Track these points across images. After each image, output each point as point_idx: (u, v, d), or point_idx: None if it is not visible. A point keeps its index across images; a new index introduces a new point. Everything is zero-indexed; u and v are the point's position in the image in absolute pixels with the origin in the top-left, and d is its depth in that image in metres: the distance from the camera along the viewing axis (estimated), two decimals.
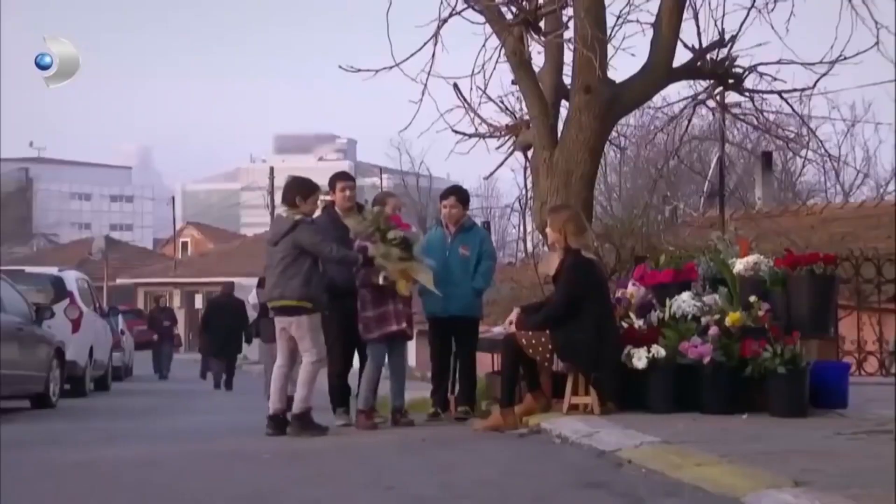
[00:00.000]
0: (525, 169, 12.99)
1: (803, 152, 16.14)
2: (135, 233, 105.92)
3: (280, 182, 52.96)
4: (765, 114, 13.67)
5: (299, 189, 9.89)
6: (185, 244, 73.39)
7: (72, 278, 20.08)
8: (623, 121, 15.39)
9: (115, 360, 23.40)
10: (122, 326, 27.86)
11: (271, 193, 50.61)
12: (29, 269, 22.40)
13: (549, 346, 9.24)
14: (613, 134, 13.72)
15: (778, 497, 5.32)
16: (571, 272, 9.23)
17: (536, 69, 12.14)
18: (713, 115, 23.31)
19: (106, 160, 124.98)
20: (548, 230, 9.81)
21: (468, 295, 10.71)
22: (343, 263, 10.00)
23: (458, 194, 11.06)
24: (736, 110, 13.95)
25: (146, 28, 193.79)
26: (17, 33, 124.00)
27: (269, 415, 9.84)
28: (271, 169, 54.41)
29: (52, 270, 20.69)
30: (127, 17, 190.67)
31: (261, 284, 15.64)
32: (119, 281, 60.43)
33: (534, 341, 9.29)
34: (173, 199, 71.13)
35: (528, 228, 14.54)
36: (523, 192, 13.37)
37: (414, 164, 55.66)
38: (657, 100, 14.17)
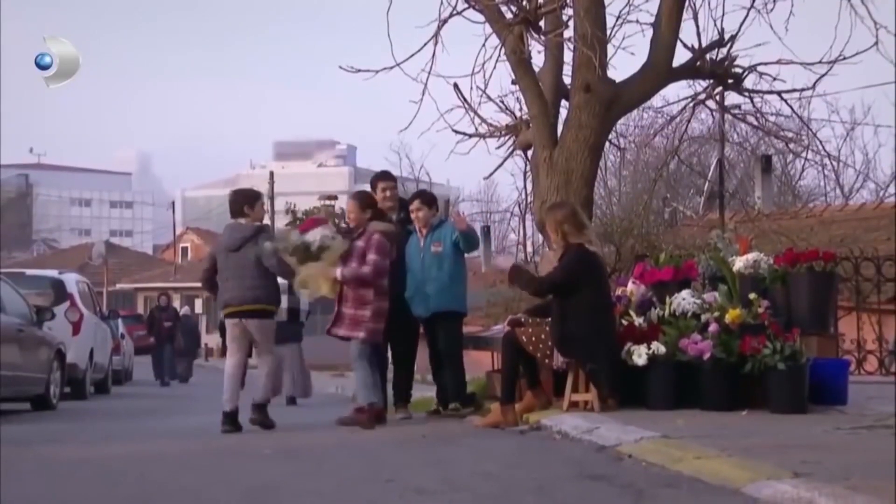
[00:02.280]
0: (525, 173, 13.02)
1: (803, 153, 16.15)
2: (134, 238, 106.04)
3: (280, 188, 52.61)
4: (765, 115, 13.70)
5: (245, 199, 10.38)
6: (184, 249, 73.37)
7: (72, 281, 20.04)
8: (623, 121, 15.42)
9: (114, 364, 23.38)
10: (122, 330, 27.80)
11: (271, 199, 50.57)
12: (29, 271, 22.33)
13: (549, 343, 9.26)
14: (613, 135, 13.75)
15: (777, 487, 5.33)
16: (570, 257, 9.25)
17: (536, 69, 12.18)
18: (713, 117, 23.39)
19: (105, 166, 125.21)
20: (546, 228, 9.84)
21: (445, 289, 10.66)
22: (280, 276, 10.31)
23: (422, 197, 11.13)
24: (736, 111, 13.98)
25: (145, 33, 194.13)
26: (16, 40, 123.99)
27: (225, 411, 10.12)
28: (271, 174, 54.36)
29: (53, 273, 20.64)
30: (126, 20, 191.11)
31: None
32: (119, 286, 60.49)
33: (534, 338, 9.31)
34: (173, 204, 71.07)
35: (528, 232, 14.57)
36: (523, 195, 13.42)
37: (414, 169, 55.64)
38: (657, 100, 14.20)
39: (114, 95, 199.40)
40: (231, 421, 10.07)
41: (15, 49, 63.19)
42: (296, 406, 15.81)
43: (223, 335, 25.13)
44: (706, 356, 9.05)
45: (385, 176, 11.17)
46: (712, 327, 9.24)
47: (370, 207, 10.26)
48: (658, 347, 9.23)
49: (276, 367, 10.38)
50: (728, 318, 9.25)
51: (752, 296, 9.44)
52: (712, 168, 27.22)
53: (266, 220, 10.65)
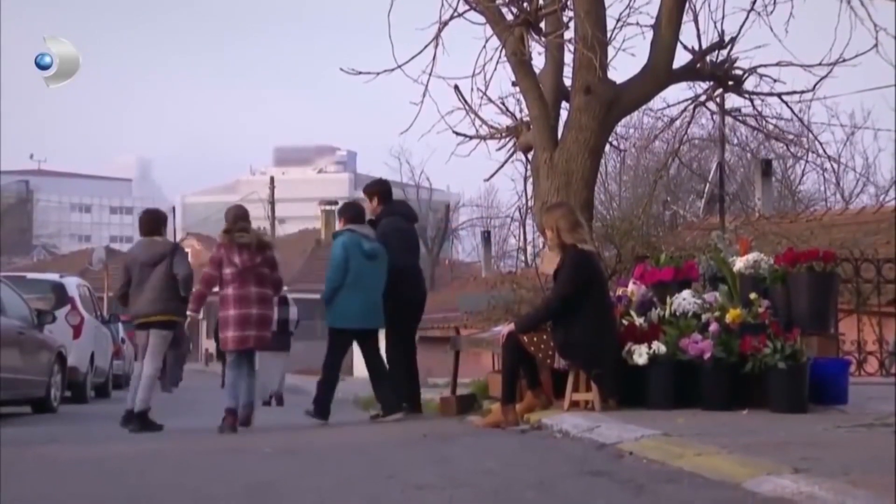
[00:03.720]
0: (525, 176, 13.03)
1: (803, 156, 16.13)
2: None
3: (280, 194, 52.40)
4: (765, 118, 13.70)
5: (161, 219, 11.39)
6: None
7: (73, 284, 20.05)
8: (623, 123, 15.42)
9: (115, 369, 23.36)
10: (123, 335, 27.72)
11: (272, 204, 50.63)
12: (30, 275, 22.34)
13: (550, 344, 9.25)
14: (613, 137, 13.75)
15: (777, 482, 5.33)
16: (570, 265, 9.24)
17: (537, 70, 12.18)
18: (713, 120, 23.40)
19: (106, 172, 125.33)
20: (544, 228, 9.84)
21: None
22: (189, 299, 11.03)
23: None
24: (736, 114, 13.98)
25: (145, 39, 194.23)
26: (16, 40, 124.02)
27: (135, 411, 10.89)
28: (272, 179, 54.42)
29: (54, 276, 20.65)
30: (126, 21, 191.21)
31: None
32: None
33: (535, 339, 9.30)
34: (173, 209, 71.02)
35: (529, 237, 14.57)
36: (523, 200, 13.42)
37: (414, 174, 55.73)
38: (657, 102, 14.19)
39: (113, 99, 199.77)
40: (141, 420, 10.79)
41: (15, 49, 63.18)
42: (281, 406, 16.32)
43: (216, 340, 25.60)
44: (707, 356, 9.05)
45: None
46: (713, 327, 9.25)
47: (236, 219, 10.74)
48: (658, 347, 9.23)
49: (154, 377, 11.11)
50: (728, 317, 9.25)
51: (752, 296, 9.45)
52: (712, 171, 27.23)
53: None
